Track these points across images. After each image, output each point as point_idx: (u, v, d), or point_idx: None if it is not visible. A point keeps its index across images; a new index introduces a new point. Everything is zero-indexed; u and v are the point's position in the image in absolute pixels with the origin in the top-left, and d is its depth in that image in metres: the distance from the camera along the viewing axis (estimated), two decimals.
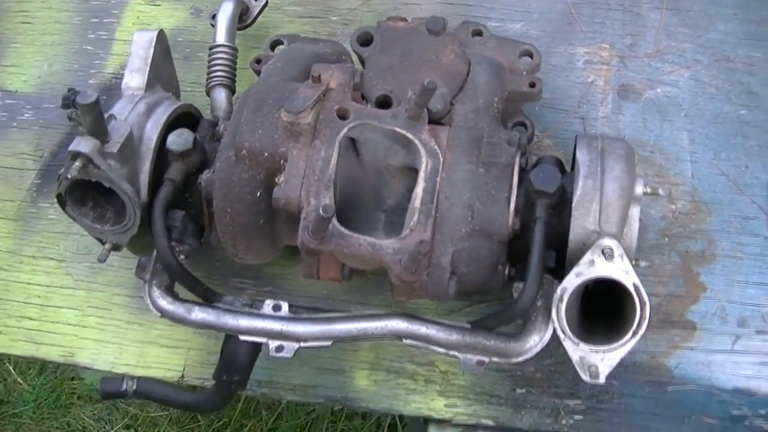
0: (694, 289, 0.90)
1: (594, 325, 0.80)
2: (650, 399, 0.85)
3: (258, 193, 0.79)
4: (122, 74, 0.98)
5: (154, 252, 0.82)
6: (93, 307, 0.95)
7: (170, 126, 0.83)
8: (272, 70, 0.86)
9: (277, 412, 1.62)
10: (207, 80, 0.95)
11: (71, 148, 0.74)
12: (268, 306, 0.81)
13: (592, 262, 0.73)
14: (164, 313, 0.81)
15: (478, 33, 0.93)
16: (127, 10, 1.11)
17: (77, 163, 0.74)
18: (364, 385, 0.88)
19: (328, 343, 0.79)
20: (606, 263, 0.73)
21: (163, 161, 0.82)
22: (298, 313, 0.81)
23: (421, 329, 0.78)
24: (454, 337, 0.78)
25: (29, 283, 0.97)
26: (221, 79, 0.94)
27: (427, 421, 0.88)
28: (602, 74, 1.02)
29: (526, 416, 0.86)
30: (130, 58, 0.87)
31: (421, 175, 0.78)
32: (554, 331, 0.74)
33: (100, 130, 0.76)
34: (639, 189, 0.77)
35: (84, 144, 0.74)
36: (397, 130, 0.80)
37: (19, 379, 1.80)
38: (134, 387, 0.85)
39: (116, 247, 0.82)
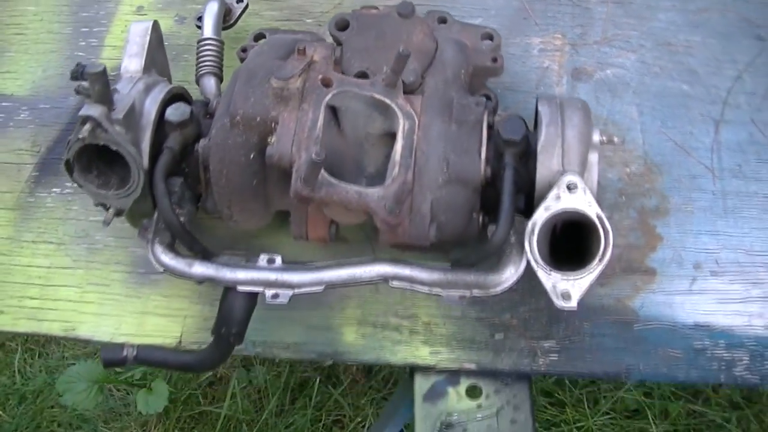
0: (652, 240, 0.98)
1: (562, 268, 0.87)
2: (619, 337, 0.93)
3: (252, 155, 0.86)
4: (114, 74, 1.06)
5: (155, 215, 0.88)
6: (92, 284, 1.00)
7: (166, 104, 0.90)
8: (259, 52, 0.94)
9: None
10: (197, 70, 1.02)
11: (81, 113, 0.81)
12: (263, 260, 0.88)
13: (558, 197, 0.81)
14: (167, 268, 0.86)
15: (443, 20, 1.02)
16: (115, 20, 1.19)
17: (87, 126, 0.80)
18: (352, 339, 0.94)
19: (321, 288, 0.85)
20: (570, 196, 0.81)
21: (161, 135, 0.89)
22: (290, 265, 0.87)
23: (406, 270, 0.85)
24: (436, 275, 0.85)
25: (30, 266, 1.01)
26: (210, 67, 1.02)
27: (412, 371, 0.94)
28: (556, 60, 1.12)
29: (506, 358, 0.92)
30: (128, 45, 0.94)
31: (399, 135, 0.86)
32: (528, 263, 0.82)
33: (106, 99, 0.83)
34: (596, 137, 0.86)
35: (93, 109, 0.81)
36: (376, 96, 0.88)
37: None
38: (134, 353, 0.90)
39: (119, 212, 0.88)
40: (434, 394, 0.92)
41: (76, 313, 0.99)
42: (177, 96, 0.93)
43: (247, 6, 1.12)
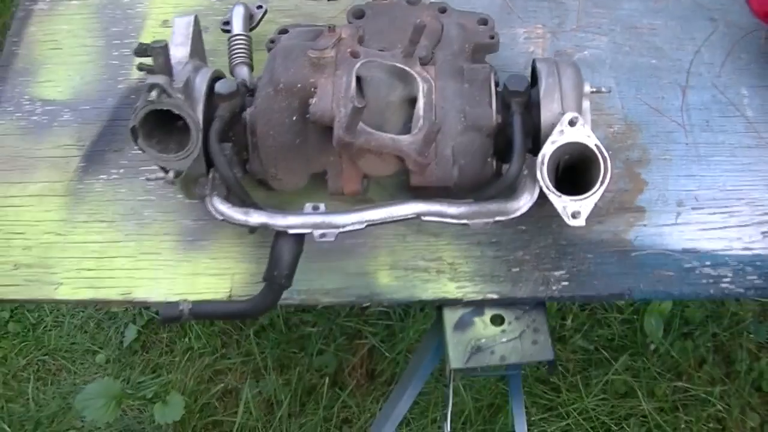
0: (638, 185, 1.12)
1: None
2: (619, 263, 1.06)
3: (294, 118, 0.99)
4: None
5: (210, 174, 1.00)
6: (144, 254, 1.10)
7: (212, 82, 1.03)
8: (290, 37, 1.08)
9: None
10: (230, 61, 1.15)
11: (148, 81, 0.93)
12: (308, 207, 1.00)
13: (562, 131, 0.96)
14: (225, 217, 0.98)
15: (443, 10, 1.17)
16: (144, 33, 1.32)
17: (154, 92, 0.93)
18: (386, 281, 1.06)
19: (363, 225, 0.97)
20: (572, 130, 0.95)
21: (209, 108, 1.01)
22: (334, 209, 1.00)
23: (436, 206, 0.98)
24: (463, 208, 0.98)
25: (84, 242, 1.11)
26: (242, 58, 1.15)
27: (440, 307, 1.06)
28: (540, 45, 1.28)
29: (523, 288, 1.04)
30: (174, 36, 1.08)
31: (420, 95, 1.00)
32: (540, 191, 0.96)
33: (168, 71, 0.95)
34: (587, 87, 1.01)
35: (159, 78, 0.94)
36: (397, 64, 1.02)
37: None
38: (190, 308, 1.00)
39: (178, 174, 0.99)
40: (462, 325, 1.04)
41: (131, 279, 1.08)
42: (219, 77, 1.06)
43: (266, 11, 1.26)
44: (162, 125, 0.98)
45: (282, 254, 0.98)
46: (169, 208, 1.13)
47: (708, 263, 1.06)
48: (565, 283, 1.04)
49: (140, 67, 0.98)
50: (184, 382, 1.96)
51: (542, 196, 0.97)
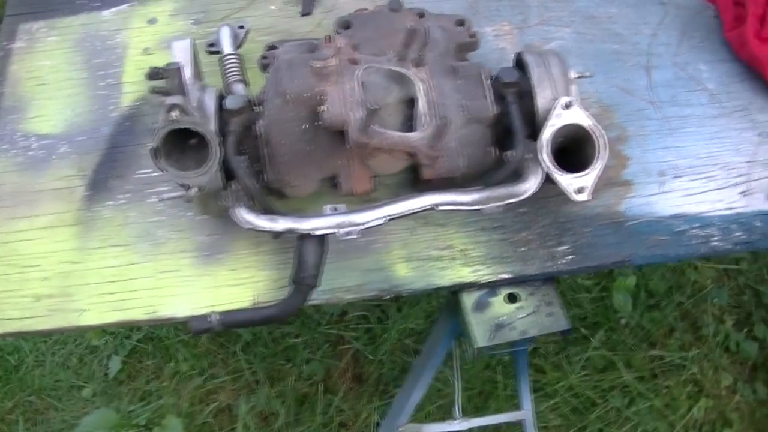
0: (622, 160, 1.21)
1: None
2: (616, 234, 1.14)
3: (304, 126, 1.04)
4: (138, 104, 1.23)
5: (231, 187, 1.04)
6: (163, 272, 1.13)
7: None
8: (286, 51, 1.13)
9: None
10: (226, 79, 1.19)
11: (167, 101, 0.97)
12: (328, 209, 1.04)
13: (559, 115, 1.03)
14: (253, 225, 1.02)
15: (421, 14, 1.24)
16: (127, 61, 1.34)
17: (175, 112, 0.96)
18: (404, 273, 1.11)
19: (383, 220, 1.03)
20: (568, 113, 1.03)
21: (219, 125, 1.05)
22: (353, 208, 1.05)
23: (450, 197, 1.04)
24: (475, 195, 1.04)
25: (102, 267, 1.13)
26: (237, 76, 1.19)
27: (456, 292, 1.12)
28: (509, 41, 1.36)
29: (532, 265, 1.11)
30: (174, 59, 1.11)
31: (419, 95, 1.06)
32: (544, 172, 1.03)
33: (183, 91, 0.99)
34: (572, 73, 1.09)
35: (176, 98, 0.97)
36: (393, 68, 1.08)
37: None
38: (219, 318, 1.04)
39: (200, 189, 1.03)
40: (481, 306, 1.10)
41: (154, 298, 1.11)
42: (222, 95, 1.11)
43: (248, 31, 1.31)
44: (175, 145, 1.01)
45: (308, 256, 1.03)
46: (181, 226, 1.16)
47: (696, 225, 1.15)
48: (570, 257, 1.12)
49: (153, 90, 1.02)
50: (177, 405, 1.96)
51: None
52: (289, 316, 1.07)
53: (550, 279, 1.12)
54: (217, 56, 1.25)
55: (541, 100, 1.06)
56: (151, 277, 1.13)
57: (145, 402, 2.03)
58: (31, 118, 1.29)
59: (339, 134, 1.04)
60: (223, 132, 1.04)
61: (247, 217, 1.02)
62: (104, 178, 1.22)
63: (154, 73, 1.01)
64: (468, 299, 1.11)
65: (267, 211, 1.04)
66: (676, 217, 1.16)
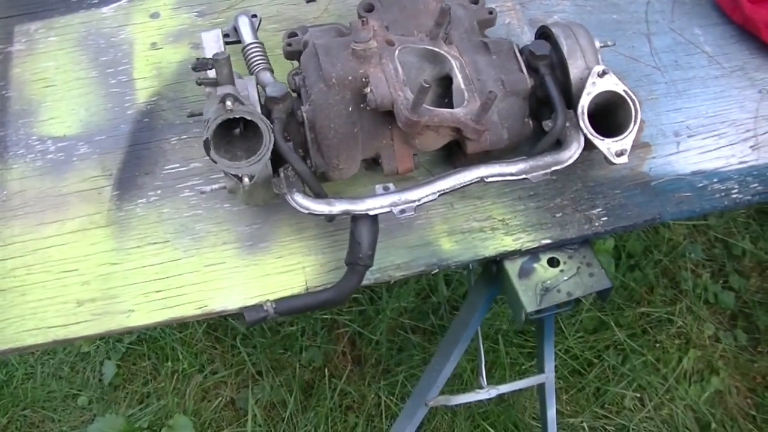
0: (639, 124, 1.26)
1: None
2: (643, 193, 1.19)
3: (350, 108, 1.05)
4: (155, 100, 1.22)
5: (281, 174, 1.04)
6: (208, 266, 1.12)
7: None
8: (317, 36, 1.14)
9: None
10: (251, 68, 1.19)
11: (220, 92, 0.96)
12: (379, 189, 1.06)
13: (594, 83, 1.07)
14: (310, 210, 1.02)
15: None
16: (136, 57, 1.32)
17: (229, 101, 0.96)
18: (449, 247, 1.14)
19: (436, 196, 1.05)
20: (602, 81, 1.07)
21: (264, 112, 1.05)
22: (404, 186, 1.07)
23: (496, 168, 1.07)
24: (521, 165, 1.07)
25: (143, 266, 1.12)
26: (263, 64, 1.19)
27: (498, 261, 1.15)
28: (514, 16, 1.40)
29: (570, 229, 1.15)
30: (205, 50, 1.11)
31: (455, 71, 1.09)
32: (585, 138, 1.07)
33: (233, 81, 0.99)
34: (598, 43, 1.13)
35: (228, 88, 0.97)
36: (427, 47, 1.10)
37: None
38: (274, 306, 1.05)
39: (251, 178, 1.02)
40: (524, 272, 1.13)
41: (202, 292, 1.10)
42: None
43: (261, 20, 1.30)
44: (222, 136, 1.01)
45: (362, 236, 1.04)
46: (219, 218, 1.16)
47: (716, 180, 1.21)
48: (605, 218, 1.16)
49: (199, 82, 1.01)
50: (182, 404, 1.95)
51: None
52: (345, 299, 1.08)
53: (585, 241, 1.16)
54: (231, 47, 1.24)
55: (574, 70, 1.09)
56: (196, 271, 1.12)
57: (144, 405, 2.00)
58: (43, 121, 1.26)
59: (382, 115, 1.06)
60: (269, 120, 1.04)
61: (304, 202, 1.03)
62: (131, 176, 1.20)
63: (201, 64, 1.00)
64: (511, 267, 1.14)
65: (318, 195, 1.05)
66: (695, 173, 1.21)
